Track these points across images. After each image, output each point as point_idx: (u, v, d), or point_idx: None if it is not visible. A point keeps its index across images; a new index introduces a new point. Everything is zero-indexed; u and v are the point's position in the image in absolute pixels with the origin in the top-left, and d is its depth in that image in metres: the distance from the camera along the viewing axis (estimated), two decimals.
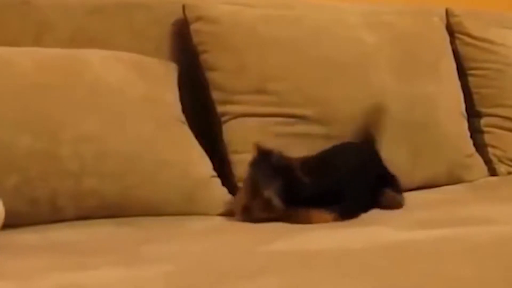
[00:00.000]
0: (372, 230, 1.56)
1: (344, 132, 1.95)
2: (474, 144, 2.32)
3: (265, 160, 1.70)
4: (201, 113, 1.99)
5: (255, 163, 1.71)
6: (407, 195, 1.99)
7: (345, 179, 1.74)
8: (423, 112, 2.16)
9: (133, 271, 1.25)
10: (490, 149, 2.37)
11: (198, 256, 1.37)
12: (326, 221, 1.65)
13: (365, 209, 1.76)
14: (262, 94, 1.98)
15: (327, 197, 1.68)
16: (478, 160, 2.31)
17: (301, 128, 1.98)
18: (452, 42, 2.42)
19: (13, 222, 1.52)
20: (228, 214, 1.76)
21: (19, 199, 1.59)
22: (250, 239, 1.51)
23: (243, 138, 1.95)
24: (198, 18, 2.02)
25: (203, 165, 1.83)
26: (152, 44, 2.04)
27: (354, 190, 1.73)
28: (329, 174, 1.74)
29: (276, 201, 1.66)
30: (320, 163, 1.76)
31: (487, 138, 2.38)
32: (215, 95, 1.99)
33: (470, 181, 2.22)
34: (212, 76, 1.99)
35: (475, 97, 2.41)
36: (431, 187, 2.12)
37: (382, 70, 2.12)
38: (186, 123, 1.88)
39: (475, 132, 2.37)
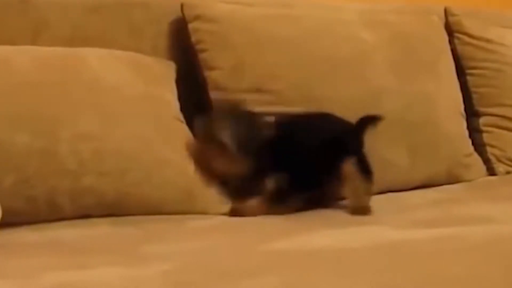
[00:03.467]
0: (372, 230, 1.56)
1: None
2: (473, 144, 2.32)
3: (225, 109, 1.71)
4: (200, 112, 1.99)
5: (215, 110, 1.73)
6: (406, 195, 2.00)
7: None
8: (422, 111, 2.16)
9: (131, 270, 1.25)
10: (489, 149, 2.37)
11: (197, 254, 1.37)
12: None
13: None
14: (260, 93, 1.98)
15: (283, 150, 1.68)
16: (477, 159, 2.30)
17: None
18: (451, 41, 2.42)
19: (11, 221, 1.52)
20: (227, 213, 1.77)
21: (17, 198, 1.59)
22: (249, 238, 1.51)
23: None
24: (197, 17, 2.02)
25: None
26: (150, 43, 2.04)
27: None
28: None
29: (233, 147, 1.65)
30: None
31: (485, 137, 2.38)
32: (214, 94, 1.98)
33: (469, 181, 2.22)
34: (211, 75, 1.99)
35: (474, 96, 2.41)
36: (429, 187, 2.12)
37: (380, 69, 2.12)
38: (184, 122, 1.88)
39: (474, 132, 2.37)
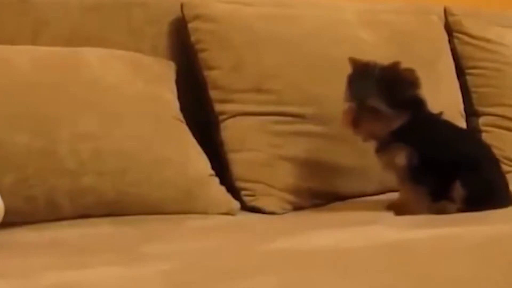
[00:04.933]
0: (371, 230, 1.56)
1: (342, 130, 1.94)
2: None
3: (364, 72, 1.75)
4: (199, 111, 1.99)
5: (354, 77, 1.76)
6: None
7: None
8: None
9: (131, 270, 1.25)
10: None
11: (197, 254, 1.37)
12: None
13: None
14: (260, 92, 1.98)
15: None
16: None
17: (299, 126, 1.98)
18: (450, 41, 2.42)
19: (10, 220, 1.52)
20: (227, 213, 1.77)
21: (16, 197, 1.58)
22: (249, 237, 1.51)
23: (240, 136, 1.95)
24: (196, 17, 2.02)
25: (201, 163, 1.82)
26: (149, 43, 2.03)
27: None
28: None
29: (383, 107, 1.70)
30: None
31: (485, 137, 2.38)
32: (213, 93, 1.98)
33: None
34: (210, 75, 1.99)
35: (473, 96, 2.41)
36: None
37: None
38: (184, 121, 1.88)
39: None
